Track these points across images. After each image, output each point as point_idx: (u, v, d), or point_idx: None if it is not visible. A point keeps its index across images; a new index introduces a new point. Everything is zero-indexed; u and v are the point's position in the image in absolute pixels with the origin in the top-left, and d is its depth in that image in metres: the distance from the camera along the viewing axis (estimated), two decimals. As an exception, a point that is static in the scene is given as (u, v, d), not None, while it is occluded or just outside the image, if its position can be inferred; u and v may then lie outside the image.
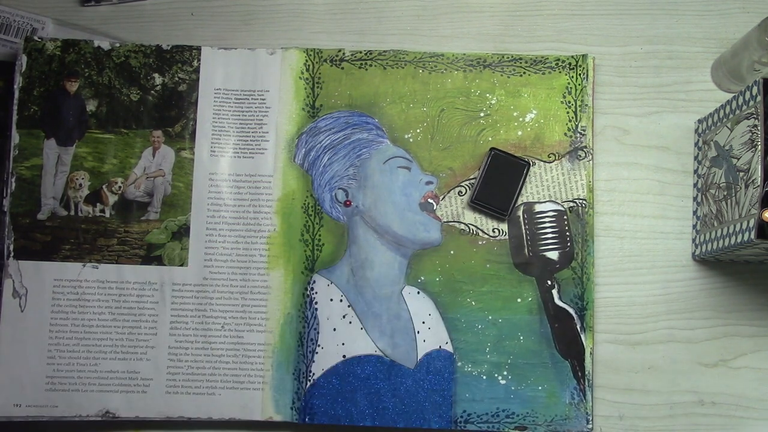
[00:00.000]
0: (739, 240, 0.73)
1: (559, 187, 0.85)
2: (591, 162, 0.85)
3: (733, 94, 0.78)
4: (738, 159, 0.75)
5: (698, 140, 0.86)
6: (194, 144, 0.86)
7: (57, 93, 0.87)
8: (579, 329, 0.83)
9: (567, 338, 0.83)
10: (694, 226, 0.85)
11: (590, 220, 0.84)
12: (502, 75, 0.86)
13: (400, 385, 0.82)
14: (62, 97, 0.87)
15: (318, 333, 0.83)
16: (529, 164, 0.85)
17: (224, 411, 0.83)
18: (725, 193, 0.78)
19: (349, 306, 0.84)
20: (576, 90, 0.86)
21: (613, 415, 0.84)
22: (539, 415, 0.82)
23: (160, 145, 0.86)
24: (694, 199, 0.86)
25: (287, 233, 0.85)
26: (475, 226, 0.85)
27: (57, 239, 0.85)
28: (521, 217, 0.85)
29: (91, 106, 0.87)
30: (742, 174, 0.74)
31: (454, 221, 0.85)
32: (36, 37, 0.87)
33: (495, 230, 0.85)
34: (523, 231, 0.85)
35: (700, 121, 0.86)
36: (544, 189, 0.85)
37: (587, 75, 0.86)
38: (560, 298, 0.83)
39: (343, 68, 0.87)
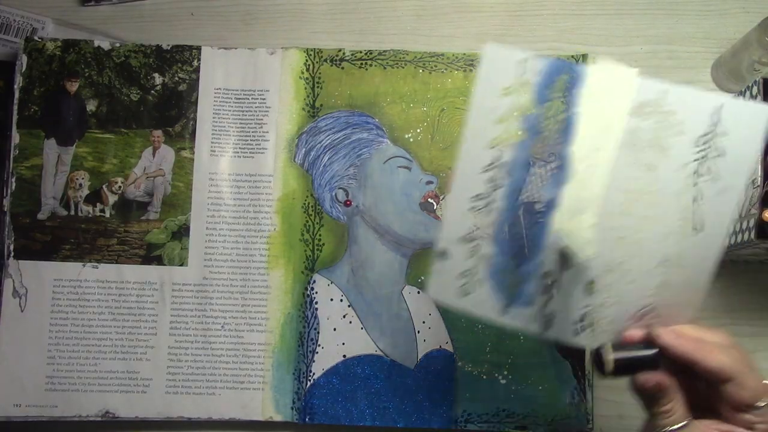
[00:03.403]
0: (739, 240, 0.73)
1: (559, 187, 0.85)
2: (591, 162, 0.85)
3: (733, 94, 0.78)
4: (738, 159, 0.75)
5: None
6: (194, 144, 0.86)
7: (57, 93, 0.87)
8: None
9: (567, 338, 0.83)
10: (694, 226, 0.85)
11: (590, 220, 0.84)
12: (502, 75, 0.86)
13: (400, 384, 0.82)
14: (62, 97, 0.87)
15: (318, 333, 0.83)
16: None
17: (224, 411, 0.83)
18: (725, 193, 0.78)
19: (349, 306, 0.84)
20: (576, 90, 0.86)
21: (613, 415, 0.84)
22: (539, 415, 0.82)
23: (160, 144, 0.86)
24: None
25: (287, 233, 0.85)
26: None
27: (57, 239, 0.85)
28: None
29: (91, 106, 0.87)
30: (742, 174, 0.74)
31: (454, 221, 0.85)
32: (36, 37, 0.87)
33: (495, 230, 0.84)
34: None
35: (700, 121, 0.86)
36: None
37: (587, 75, 0.86)
38: (560, 298, 0.83)
39: (343, 68, 0.87)
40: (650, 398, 0.59)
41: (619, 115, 0.58)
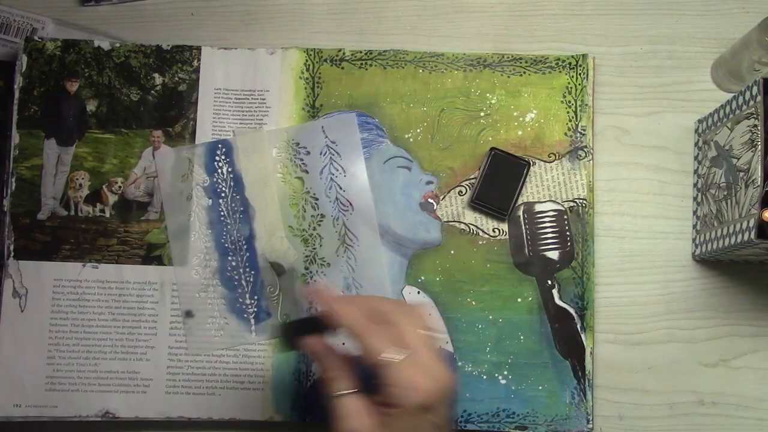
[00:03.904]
0: (739, 240, 0.73)
1: (559, 186, 0.85)
2: (591, 162, 0.85)
3: (733, 94, 0.78)
4: (738, 159, 0.75)
5: (698, 140, 0.86)
6: (194, 144, 0.86)
7: (57, 93, 0.87)
8: (579, 329, 0.83)
9: (567, 338, 0.83)
10: (694, 226, 0.85)
11: (590, 220, 0.84)
12: (502, 75, 0.86)
13: (400, 385, 0.82)
14: (62, 97, 0.87)
15: (318, 333, 0.83)
16: (530, 164, 0.85)
17: (224, 411, 0.83)
18: (725, 193, 0.78)
19: (349, 306, 0.84)
20: (576, 90, 0.86)
21: (613, 415, 0.84)
22: (539, 415, 0.82)
23: (160, 145, 0.86)
24: (694, 199, 0.86)
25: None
26: (476, 226, 0.85)
27: (57, 239, 0.85)
28: (521, 217, 0.85)
29: (91, 106, 0.87)
30: (742, 174, 0.74)
31: (454, 221, 0.85)
32: (36, 37, 0.87)
33: (495, 230, 0.85)
34: (524, 231, 0.85)
35: (700, 121, 0.86)
36: (544, 189, 0.85)
37: (587, 75, 0.86)
38: (560, 298, 0.83)
39: (343, 68, 0.87)
40: (319, 362, 0.65)
41: (267, 160, 0.84)
